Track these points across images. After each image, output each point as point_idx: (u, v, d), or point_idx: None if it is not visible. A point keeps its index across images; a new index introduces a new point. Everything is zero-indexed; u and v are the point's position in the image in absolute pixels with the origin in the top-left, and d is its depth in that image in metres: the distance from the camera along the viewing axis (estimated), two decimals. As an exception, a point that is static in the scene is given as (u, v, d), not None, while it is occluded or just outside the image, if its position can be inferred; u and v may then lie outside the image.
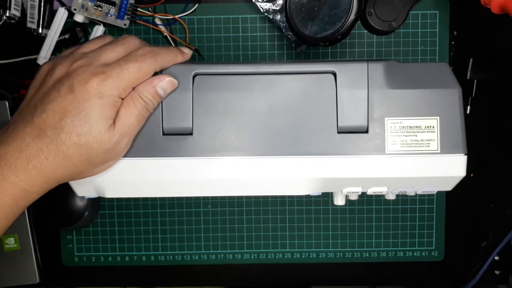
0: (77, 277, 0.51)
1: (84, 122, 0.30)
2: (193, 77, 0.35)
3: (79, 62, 0.32)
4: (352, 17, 0.40)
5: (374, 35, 0.48)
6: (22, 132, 0.31)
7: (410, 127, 0.35)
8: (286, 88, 0.35)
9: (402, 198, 0.50)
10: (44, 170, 0.31)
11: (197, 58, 0.48)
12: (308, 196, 0.50)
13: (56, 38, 0.46)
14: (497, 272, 0.51)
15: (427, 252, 0.51)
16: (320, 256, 0.51)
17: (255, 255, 0.51)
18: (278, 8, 0.46)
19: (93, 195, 0.37)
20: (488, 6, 0.38)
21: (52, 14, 0.47)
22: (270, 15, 0.46)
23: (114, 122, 0.32)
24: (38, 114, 0.31)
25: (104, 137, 0.31)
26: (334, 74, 0.35)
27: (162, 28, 0.48)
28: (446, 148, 0.35)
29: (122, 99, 0.32)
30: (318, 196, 0.50)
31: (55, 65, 0.32)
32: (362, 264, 0.51)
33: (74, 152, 0.31)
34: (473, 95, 0.47)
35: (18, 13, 0.47)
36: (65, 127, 0.30)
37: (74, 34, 0.47)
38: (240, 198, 0.50)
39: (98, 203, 0.50)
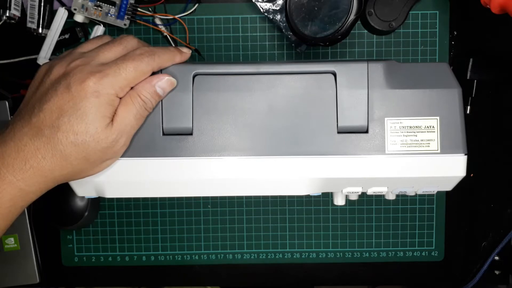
0: (77, 277, 0.51)
1: (81, 121, 0.30)
2: (193, 77, 0.35)
3: (76, 62, 0.32)
4: (352, 17, 0.40)
5: (374, 35, 0.48)
6: (19, 132, 0.31)
7: (410, 127, 0.35)
8: (286, 88, 0.35)
9: (402, 198, 0.50)
10: (41, 170, 0.31)
11: (197, 58, 0.48)
12: (308, 196, 0.50)
13: (56, 38, 0.46)
14: (497, 272, 0.51)
15: (427, 252, 0.51)
16: (320, 256, 0.51)
17: (255, 255, 0.51)
18: (278, 8, 0.46)
19: (93, 195, 0.37)
20: (488, 6, 0.38)
21: (52, 14, 0.47)
22: (270, 15, 0.46)
23: (112, 121, 0.32)
24: (35, 113, 0.31)
25: (101, 136, 0.31)
26: (334, 74, 0.35)
27: (162, 28, 0.48)
28: (446, 148, 0.35)
29: (120, 98, 0.32)
30: (318, 196, 0.50)
31: (53, 65, 0.33)
32: (362, 264, 0.51)
33: (71, 151, 0.31)
34: (473, 95, 0.47)
35: (18, 13, 0.47)
36: (62, 126, 0.30)
37: (74, 34, 0.47)
38: (240, 198, 0.50)
39: (98, 203, 0.50)
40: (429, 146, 0.35)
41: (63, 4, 0.47)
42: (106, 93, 0.31)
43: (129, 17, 0.46)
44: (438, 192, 0.50)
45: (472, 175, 0.50)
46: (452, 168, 0.35)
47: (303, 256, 0.51)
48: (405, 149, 0.35)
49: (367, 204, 0.50)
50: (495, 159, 0.50)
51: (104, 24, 0.47)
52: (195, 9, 0.48)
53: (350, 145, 0.35)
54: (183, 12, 0.48)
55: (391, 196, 0.40)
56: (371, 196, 0.50)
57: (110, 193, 0.36)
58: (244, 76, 0.35)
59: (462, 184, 0.37)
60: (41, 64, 0.46)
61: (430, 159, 0.35)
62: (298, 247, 0.51)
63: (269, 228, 0.51)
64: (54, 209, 0.48)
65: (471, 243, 0.51)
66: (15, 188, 0.30)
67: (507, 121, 0.49)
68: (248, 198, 0.50)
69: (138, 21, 0.47)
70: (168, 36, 0.48)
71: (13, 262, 0.50)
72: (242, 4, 0.48)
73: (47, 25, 0.47)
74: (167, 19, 0.48)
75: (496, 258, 0.50)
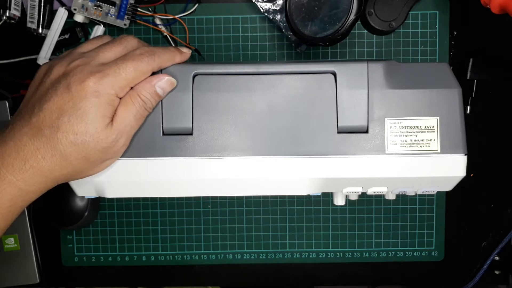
0: (77, 277, 0.51)
1: (81, 121, 0.30)
2: (193, 77, 0.35)
3: (76, 62, 0.32)
4: (352, 17, 0.40)
5: (374, 35, 0.48)
6: (19, 132, 0.31)
7: (410, 127, 0.35)
8: (286, 88, 0.35)
9: (402, 198, 0.50)
10: (41, 170, 0.31)
11: (197, 58, 0.48)
12: (308, 196, 0.50)
13: (56, 38, 0.46)
14: (497, 272, 0.51)
15: (427, 252, 0.51)
16: (320, 256, 0.51)
17: (255, 255, 0.51)
18: (278, 8, 0.46)
19: (93, 195, 0.37)
20: (488, 6, 0.38)
21: (52, 14, 0.47)
22: (270, 15, 0.46)
23: (112, 121, 0.32)
24: (35, 113, 0.31)
25: (101, 136, 0.31)
26: (334, 74, 0.35)
27: (162, 28, 0.48)
28: (446, 148, 0.35)
29: (120, 98, 0.32)
30: (318, 196, 0.50)
31: (53, 65, 0.33)
32: (362, 264, 0.51)
33: (71, 151, 0.31)
34: (473, 95, 0.47)
35: (18, 13, 0.47)
36: (62, 125, 0.30)
37: (74, 34, 0.47)
38: (240, 198, 0.50)
39: (98, 203, 0.50)
40: (429, 146, 0.35)
41: (63, 4, 0.47)
42: (106, 93, 0.31)
43: (129, 17, 0.46)
44: (438, 192, 0.50)
45: (472, 175, 0.50)
46: (452, 168, 0.35)
47: (303, 256, 0.51)
48: (405, 149, 0.35)
49: (367, 204, 0.50)
50: (495, 159, 0.50)
51: (104, 24, 0.47)
52: (195, 9, 0.48)
53: (350, 145, 0.35)
54: (183, 12, 0.48)
55: (391, 196, 0.40)
56: (371, 196, 0.50)
57: (110, 193, 0.36)
58: (244, 76, 0.35)
59: (462, 184, 0.37)
60: (41, 64, 0.46)
61: (430, 159, 0.35)
62: (298, 247, 0.51)
63: (269, 228, 0.51)
64: (54, 209, 0.48)
65: (471, 243, 0.51)
66: (15, 188, 0.30)
67: (507, 121, 0.49)
68: (248, 198, 0.50)
69: (138, 21, 0.47)
70: (168, 36, 0.48)
71: (13, 262, 0.50)
72: (242, 4, 0.48)
73: (47, 25, 0.47)
74: (167, 19, 0.48)
75: (496, 258, 0.50)
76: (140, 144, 0.35)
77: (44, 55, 0.46)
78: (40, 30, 0.47)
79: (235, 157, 0.35)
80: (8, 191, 0.30)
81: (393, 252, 0.51)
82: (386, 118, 0.35)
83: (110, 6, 0.46)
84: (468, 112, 0.48)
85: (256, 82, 0.35)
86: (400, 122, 0.35)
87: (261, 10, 0.46)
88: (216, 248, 0.51)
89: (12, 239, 0.49)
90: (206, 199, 0.50)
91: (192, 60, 0.42)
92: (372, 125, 0.35)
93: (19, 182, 0.30)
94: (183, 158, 0.35)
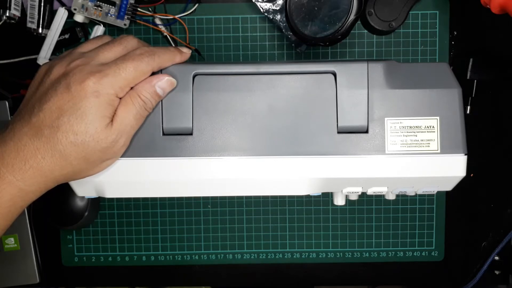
0: (77, 277, 0.51)
1: (81, 121, 0.30)
2: (193, 77, 0.35)
3: (76, 62, 0.32)
4: (352, 17, 0.40)
5: (374, 35, 0.48)
6: (19, 132, 0.31)
7: (410, 127, 0.35)
8: (286, 88, 0.35)
9: (402, 198, 0.50)
10: (41, 170, 0.31)
11: (197, 58, 0.48)
12: (308, 196, 0.50)
13: (56, 38, 0.46)
14: (497, 272, 0.51)
15: (427, 252, 0.51)
16: (320, 256, 0.51)
17: (255, 255, 0.51)
18: (278, 8, 0.46)
19: (93, 195, 0.37)
20: (488, 6, 0.38)
21: (52, 14, 0.47)
22: (270, 15, 0.46)
23: (111, 121, 0.32)
24: (35, 113, 0.31)
25: (101, 136, 0.31)
26: (334, 74, 0.35)
27: (162, 28, 0.48)
28: (446, 148, 0.35)
29: (120, 98, 0.32)
30: (318, 196, 0.50)
31: (53, 65, 0.33)
32: (362, 264, 0.51)
33: (71, 151, 0.31)
34: (473, 95, 0.47)
35: (18, 13, 0.47)
36: (62, 125, 0.30)
37: (74, 34, 0.47)
38: (240, 198, 0.50)
39: (98, 203, 0.50)
40: (429, 146, 0.35)
41: (63, 4, 0.47)
42: (106, 93, 0.31)
43: (129, 17, 0.46)
44: (438, 192, 0.50)
45: (472, 175, 0.50)
46: (452, 168, 0.35)
47: (303, 256, 0.51)
48: (405, 149, 0.35)
49: (367, 204, 0.50)
50: (495, 159, 0.50)
51: (104, 24, 0.47)
52: (195, 9, 0.48)
53: (350, 145, 0.35)
54: (183, 12, 0.48)
55: (391, 196, 0.40)
56: (371, 196, 0.50)
57: (110, 193, 0.36)
58: (244, 76, 0.35)
59: (462, 184, 0.37)
60: (41, 64, 0.46)
61: (430, 159, 0.35)
62: (298, 247, 0.51)
63: (269, 228, 0.51)
64: (54, 209, 0.48)
65: (471, 243, 0.51)
66: (14, 188, 0.30)
67: (507, 121, 0.49)
68: (248, 198, 0.50)
69: (138, 21, 0.47)
70: (168, 36, 0.48)
71: (13, 262, 0.50)
72: (242, 4, 0.48)
73: (47, 25, 0.47)
74: (167, 19, 0.48)
75: (496, 258, 0.50)
76: (140, 144, 0.35)
77: (44, 55, 0.46)
78: (40, 30, 0.47)
79: (235, 157, 0.35)
80: (8, 191, 0.30)
81: (393, 252, 0.51)
82: (386, 118, 0.35)
83: (110, 6, 0.46)
84: (468, 112, 0.48)
85: (256, 82, 0.35)
86: (400, 122, 0.35)
87: (261, 10, 0.46)
88: (216, 248, 0.51)
89: (12, 239, 0.49)
90: (206, 199, 0.50)
91: (192, 60, 0.42)
92: (372, 125, 0.35)
93: (19, 182, 0.30)
94: (183, 158, 0.35)
